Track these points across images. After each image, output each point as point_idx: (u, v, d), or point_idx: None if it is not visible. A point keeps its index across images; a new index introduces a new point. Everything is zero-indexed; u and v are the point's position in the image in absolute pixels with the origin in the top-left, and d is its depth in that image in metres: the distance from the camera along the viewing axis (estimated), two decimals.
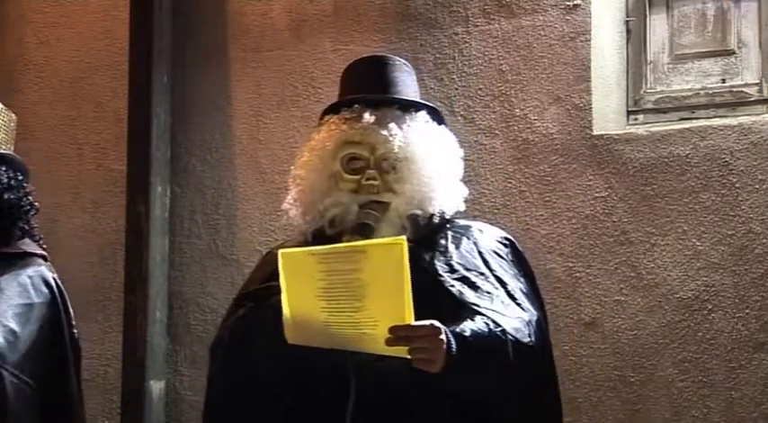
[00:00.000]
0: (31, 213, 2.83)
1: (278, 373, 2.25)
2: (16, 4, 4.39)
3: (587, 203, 3.47)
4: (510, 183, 3.57)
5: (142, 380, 3.85)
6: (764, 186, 3.28)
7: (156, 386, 3.89)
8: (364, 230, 2.28)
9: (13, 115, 2.92)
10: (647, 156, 3.42)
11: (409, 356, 2.05)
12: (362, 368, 2.18)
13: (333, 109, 2.49)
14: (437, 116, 2.49)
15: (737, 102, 3.46)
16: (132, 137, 3.99)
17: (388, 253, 2.02)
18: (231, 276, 3.93)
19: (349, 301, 2.05)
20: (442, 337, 2.06)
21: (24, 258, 2.76)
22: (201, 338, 3.94)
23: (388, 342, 2.02)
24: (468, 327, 2.13)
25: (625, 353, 3.38)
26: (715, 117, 3.45)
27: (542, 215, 3.52)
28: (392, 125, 2.36)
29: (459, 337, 2.09)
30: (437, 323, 2.06)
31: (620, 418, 3.37)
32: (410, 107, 2.43)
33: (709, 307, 3.30)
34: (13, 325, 2.60)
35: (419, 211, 2.36)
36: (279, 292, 2.20)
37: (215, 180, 4.02)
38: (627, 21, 3.62)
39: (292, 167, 2.52)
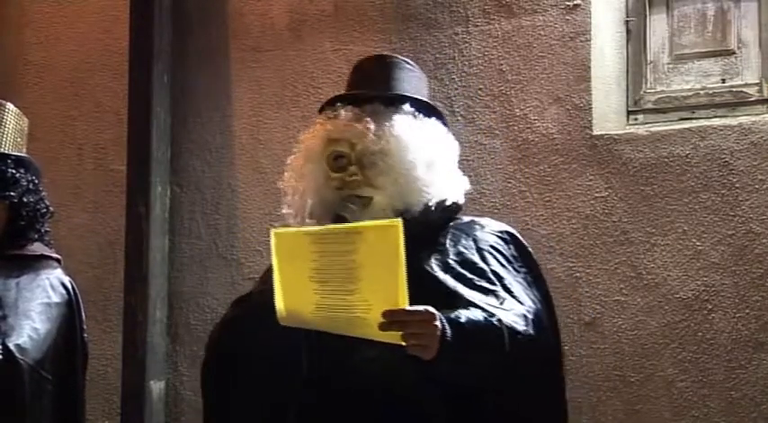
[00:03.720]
0: (47, 217, 2.89)
1: (263, 370, 2.26)
2: (16, 4, 4.39)
3: (587, 203, 3.48)
4: (510, 183, 3.57)
5: (142, 380, 3.85)
6: (764, 186, 3.28)
7: (156, 386, 3.90)
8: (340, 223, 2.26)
9: (26, 119, 2.96)
10: (647, 156, 3.42)
11: (402, 342, 2.02)
12: (347, 371, 2.19)
13: (321, 109, 2.50)
14: (427, 109, 2.46)
15: (737, 102, 3.46)
16: (132, 137, 3.99)
17: (384, 235, 1.99)
18: (231, 276, 3.94)
19: (342, 284, 2.02)
20: (437, 322, 2.04)
21: (40, 261, 2.87)
22: (201, 338, 3.93)
23: (382, 326, 1.99)
24: (463, 314, 2.11)
25: (625, 353, 3.38)
26: (715, 117, 3.45)
27: (542, 215, 3.52)
28: (368, 119, 2.36)
29: (454, 323, 2.07)
30: (432, 309, 2.04)
31: (620, 418, 3.37)
32: (395, 102, 2.42)
33: (710, 307, 3.30)
34: (36, 323, 2.72)
35: (403, 206, 2.34)
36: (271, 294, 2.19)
37: (215, 180, 4.02)
38: (627, 21, 3.62)
39: (286, 169, 2.51)
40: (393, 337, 2.02)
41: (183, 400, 3.94)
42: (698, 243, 3.33)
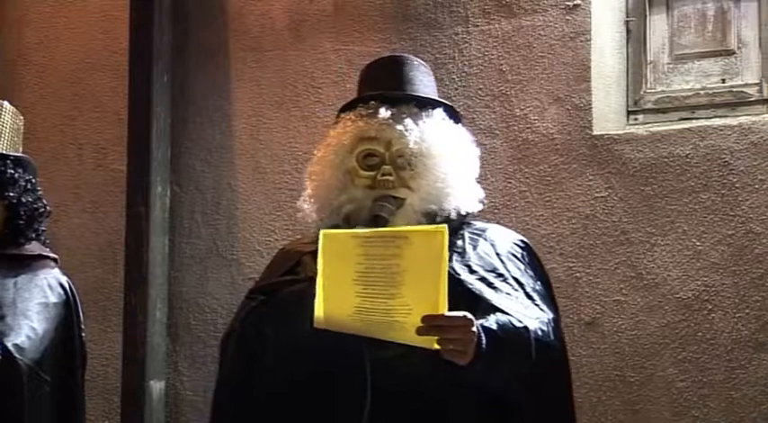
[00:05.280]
0: (45, 216, 2.90)
1: (291, 364, 2.24)
2: (16, 4, 4.39)
3: (587, 203, 3.48)
4: (510, 183, 3.57)
5: (142, 380, 3.85)
6: (764, 186, 3.29)
7: (156, 386, 3.90)
8: (378, 223, 2.26)
9: (21, 118, 2.97)
10: (647, 156, 3.42)
11: (437, 347, 2.03)
12: (380, 366, 2.17)
13: (350, 106, 2.47)
14: (454, 114, 2.48)
15: (737, 102, 3.46)
16: (132, 137, 3.99)
17: (430, 240, 2.01)
18: (231, 276, 3.93)
19: (385, 287, 2.04)
20: (474, 329, 2.05)
21: (38, 261, 2.88)
22: (201, 338, 3.94)
23: (420, 331, 2.00)
24: (494, 321, 2.13)
25: (625, 353, 3.38)
26: (715, 117, 3.45)
27: (542, 215, 3.52)
28: (408, 121, 2.35)
29: (488, 330, 2.09)
30: (469, 315, 2.05)
31: (620, 418, 3.37)
32: (427, 105, 2.42)
33: (710, 307, 3.30)
34: (35, 323, 2.72)
35: (434, 208, 2.34)
36: (292, 286, 2.18)
37: (215, 180, 4.02)
38: (627, 21, 3.62)
39: (309, 164, 2.50)
40: (429, 341, 2.03)
41: (183, 400, 3.94)
42: (698, 243, 3.33)
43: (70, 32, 4.30)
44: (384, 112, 2.36)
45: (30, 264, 2.84)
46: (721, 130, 3.35)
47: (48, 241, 2.97)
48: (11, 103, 2.97)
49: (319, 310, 2.10)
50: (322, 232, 2.10)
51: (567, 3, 3.57)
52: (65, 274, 2.91)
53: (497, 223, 2.67)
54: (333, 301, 2.09)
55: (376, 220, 2.26)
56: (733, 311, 3.28)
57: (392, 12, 3.81)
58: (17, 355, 2.62)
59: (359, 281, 2.06)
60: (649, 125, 3.51)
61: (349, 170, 2.37)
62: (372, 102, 2.40)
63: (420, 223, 2.32)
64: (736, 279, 3.28)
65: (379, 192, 2.32)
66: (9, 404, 2.63)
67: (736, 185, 3.31)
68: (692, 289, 3.33)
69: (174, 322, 3.99)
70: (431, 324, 2.00)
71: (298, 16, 3.96)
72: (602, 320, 3.42)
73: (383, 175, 2.33)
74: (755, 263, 3.27)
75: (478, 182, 3.58)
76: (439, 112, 2.43)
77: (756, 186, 3.29)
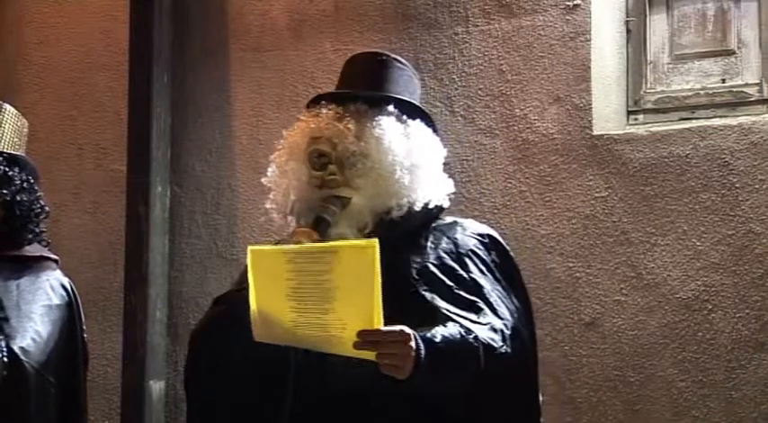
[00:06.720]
0: (42, 216, 2.88)
1: (244, 371, 2.25)
2: (16, 4, 4.39)
3: (587, 203, 3.48)
4: (510, 183, 3.57)
5: (142, 380, 3.85)
6: (764, 186, 3.29)
7: (156, 386, 3.90)
8: (320, 225, 2.25)
9: (24, 121, 2.95)
10: (647, 156, 3.42)
11: (377, 361, 2.01)
12: (317, 373, 2.18)
13: (307, 106, 2.48)
14: (413, 110, 2.43)
15: (737, 102, 3.46)
16: (132, 137, 3.99)
17: (360, 255, 1.97)
18: (231, 276, 3.93)
19: (318, 303, 2.02)
20: (412, 343, 2.03)
21: (39, 262, 2.86)
22: None
23: (356, 346, 1.99)
24: (439, 332, 2.10)
25: (625, 353, 3.38)
26: (715, 117, 3.45)
27: (542, 215, 3.52)
28: (349, 119, 2.34)
29: (429, 342, 2.06)
30: (407, 329, 2.02)
31: (620, 418, 3.37)
32: (380, 102, 2.38)
33: (710, 307, 3.30)
34: (39, 325, 2.71)
35: (381, 207, 2.32)
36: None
37: (215, 180, 4.02)
38: (627, 21, 3.62)
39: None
40: (368, 355, 2.01)
41: (182, 400, 3.93)
42: (698, 243, 3.33)
43: (70, 32, 4.30)
44: (326, 111, 2.36)
45: (31, 265, 2.83)
46: (721, 130, 3.35)
47: (48, 242, 2.96)
48: (11, 104, 2.95)
49: (256, 326, 2.10)
50: (249, 249, 2.10)
51: (567, 3, 3.57)
52: (66, 275, 2.90)
53: (496, 223, 2.66)
54: (268, 316, 2.09)
55: (318, 223, 2.25)
56: (733, 311, 3.28)
57: (392, 12, 3.81)
58: (23, 358, 2.61)
59: (292, 296, 2.04)
60: (649, 125, 3.51)
61: (305, 170, 2.35)
62: (323, 101, 2.40)
63: (365, 224, 2.30)
64: (736, 279, 3.28)
65: (326, 191, 2.31)
66: (15, 407, 2.63)
67: (736, 185, 3.31)
68: (692, 289, 3.33)
69: (174, 322, 3.99)
70: (366, 339, 1.99)
71: (298, 16, 3.96)
72: (602, 320, 3.42)
73: (330, 174, 2.31)
74: (755, 263, 3.27)
75: (478, 182, 3.60)
76: (390, 108, 2.37)
77: (756, 186, 3.29)
